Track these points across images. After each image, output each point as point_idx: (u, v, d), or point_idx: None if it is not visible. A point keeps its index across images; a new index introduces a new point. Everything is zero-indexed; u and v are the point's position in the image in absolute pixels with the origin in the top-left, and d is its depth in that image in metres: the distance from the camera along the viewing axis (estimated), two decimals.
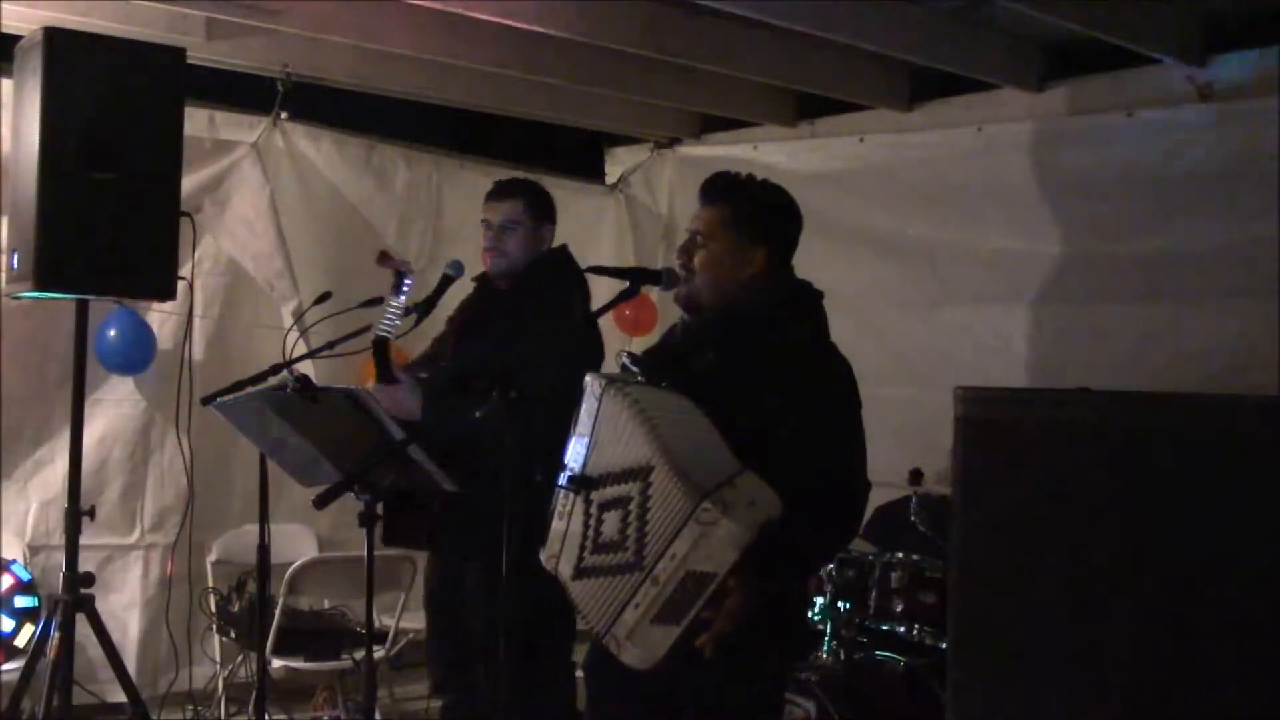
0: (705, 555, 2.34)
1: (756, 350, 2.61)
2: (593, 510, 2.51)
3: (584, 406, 2.58)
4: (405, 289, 3.33)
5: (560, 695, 3.61)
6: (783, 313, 2.68)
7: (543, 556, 2.64)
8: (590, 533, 2.51)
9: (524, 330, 3.33)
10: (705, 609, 2.37)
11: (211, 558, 5.04)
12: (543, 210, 3.68)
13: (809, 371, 2.60)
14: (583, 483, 2.53)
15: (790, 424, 2.51)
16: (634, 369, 2.62)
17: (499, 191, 3.71)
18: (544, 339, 3.01)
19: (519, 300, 3.56)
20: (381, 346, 3.36)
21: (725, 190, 2.74)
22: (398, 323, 3.34)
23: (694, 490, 2.34)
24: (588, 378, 2.61)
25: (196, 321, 4.58)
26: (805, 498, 2.42)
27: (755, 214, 2.71)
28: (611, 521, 2.47)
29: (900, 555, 4.15)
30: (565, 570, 2.56)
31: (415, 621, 4.91)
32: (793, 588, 2.68)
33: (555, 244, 3.74)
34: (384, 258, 3.43)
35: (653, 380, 2.58)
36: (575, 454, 2.58)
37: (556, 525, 2.60)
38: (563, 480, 2.57)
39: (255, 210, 5.19)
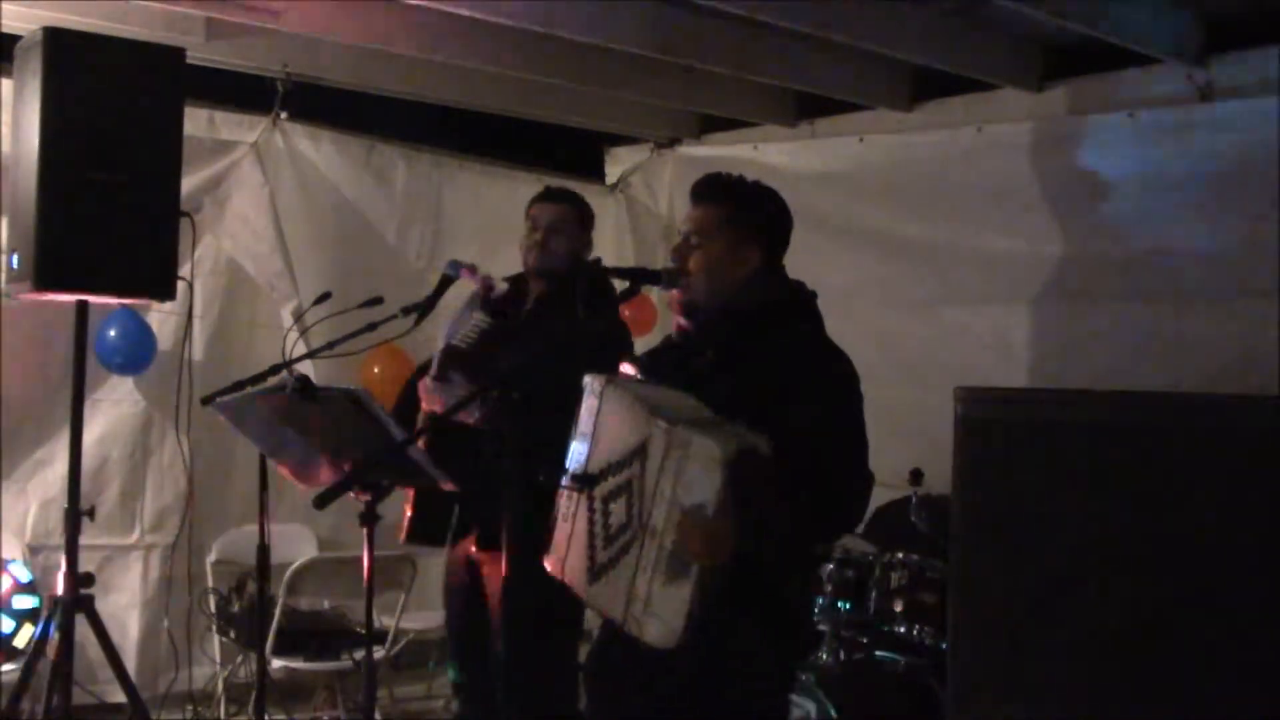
0: (690, 482, 2.31)
1: (756, 349, 2.61)
2: (597, 505, 2.51)
3: (584, 406, 2.59)
4: (490, 303, 3.38)
5: (563, 695, 3.61)
6: (781, 311, 2.68)
7: (547, 561, 2.63)
8: (599, 528, 2.51)
9: (566, 337, 3.35)
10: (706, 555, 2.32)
11: (211, 558, 5.04)
12: (588, 220, 3.71)
13: (809, 368, 2.60)
14: (584, 480, 2.53)
15: (792, 420, 2.51)
16: (630, 370, 2.62)
17: (551, 195, 3.73)
18: (582, 344, 3.00)
19: (559, 307, 3.54)
20: (456, 354, 3.39)
21: (718, 191, 2.74)
22: (474, 336, 3.39)
23: (671, 425, 2.35)
24: (587, 378, 2.61)
25: (196, 321, 4.58)
26: (805, 483, 2.42)
27: (749, 214, 2.71)
28: (618, 509, 2.47)
29: (900, 555, 4.14)
30: (580, 576, 2.55)
31: (415, 621, 4.92)
32: (789, 577, 2.66)
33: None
34: (471, 271, 3.48)
35: (652, 380, 2.59)
36: (576, 455, 2.58)
37: (561, 528, 2.60)
38: (564, 481, 2.57)
39: (255, 210, 5.19)
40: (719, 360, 2.63)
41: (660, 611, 2.36)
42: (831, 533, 2.74)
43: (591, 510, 2.52)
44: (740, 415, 2.44)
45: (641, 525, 2.39)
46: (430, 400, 3.39)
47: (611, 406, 2.51)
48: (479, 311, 3.40)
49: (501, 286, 3.52)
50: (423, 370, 3.61)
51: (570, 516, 2.58)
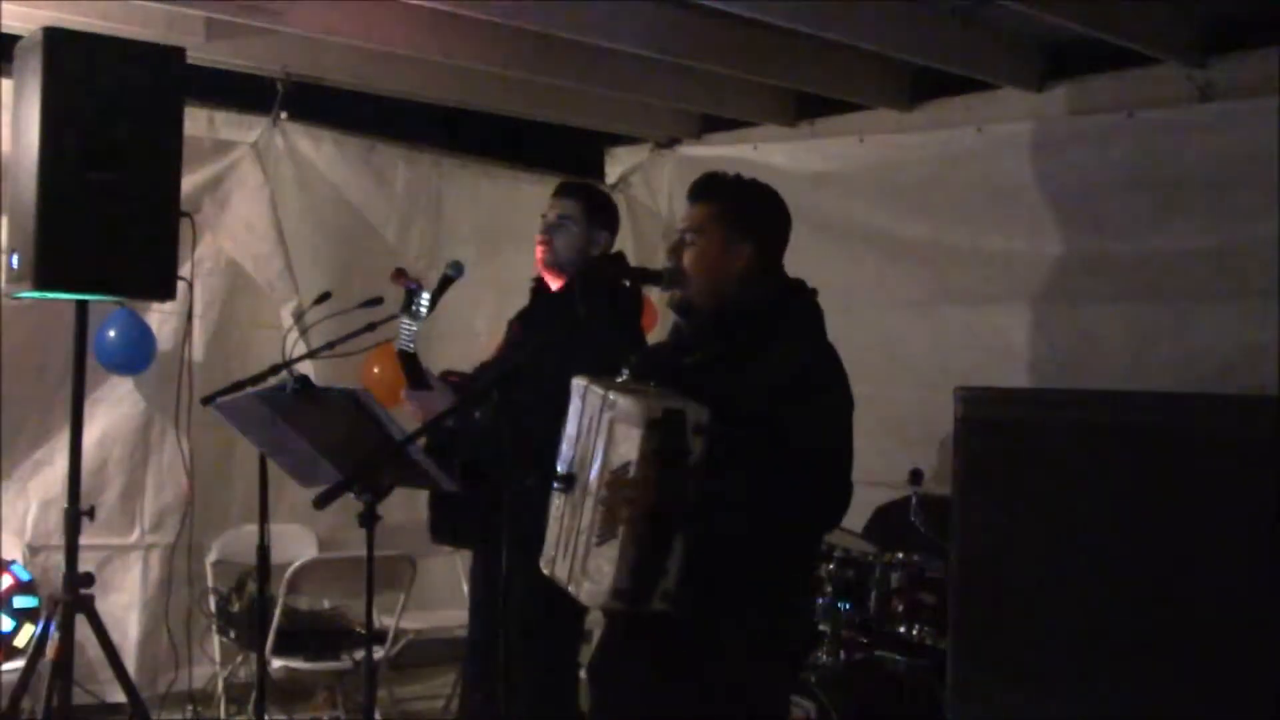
0: (617, 442, 2.34)
1: (749, 348, 2.61)
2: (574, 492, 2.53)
3: (571, 408, 2.60)
4: (417, 306, 3.36)
5: (564, 695, 3.61)
6: (776, 310, 2.68)
7: (541, 563, 2.64)
8: (569, 510, 2.53)
9: (569, 336, 3.34)
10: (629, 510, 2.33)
11: (211, 558, 5.04)
12: (599, 215, 3.66)
13: (797, 371, 2.59)
14: (569, 481, 2.54)
15: (775, 420, 2.50)
16: (623, 369, 2.63)
17: (558, 190, 3.71)
18: (581, 344, 3.00)
19: (568, 304, 3.53)
20: (410, 359, 3.38)
21: (710, 188, 2.75)
22: (415, 334, 3.38)
23: (605, 391, 2.39)
24: (574, 380, 2.62)
25: (196, 321, 4.58)
26: (778, 476, 2.42)
27: (741, 209, 2.71)
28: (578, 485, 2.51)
29: (900, 555, 4.14)
30: (561, 565, 2.56)
31: (415, 621, 4.93)
32: (787, 575, 2.65)
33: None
34: (398, 275, 3.47)
35: (640, 378, 2.59)
36: (565, 456, 2.59)
37: (551, 529, 2.61)
38: (555, 484, 2.58)
39: (255, 210, 5.19)
40: (710, 359, 2.63)
41: (591, 571, 2.39)
42: (802, 530, 2.70)
43: (576, 506, 2.53)
44: (728, 415, 2.43)
45: (584, 490, 2.44)
46: (414, 409, 3.41)
47: (590, 404, 2.52)
48: (404, 316, 3.40)
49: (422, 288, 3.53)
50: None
51: (558, 518, 2.58)
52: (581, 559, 2.41)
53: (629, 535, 2.33)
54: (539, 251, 3.61)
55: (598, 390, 2.46)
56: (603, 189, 3.77)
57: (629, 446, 2.32)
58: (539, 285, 3.70)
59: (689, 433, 2.32)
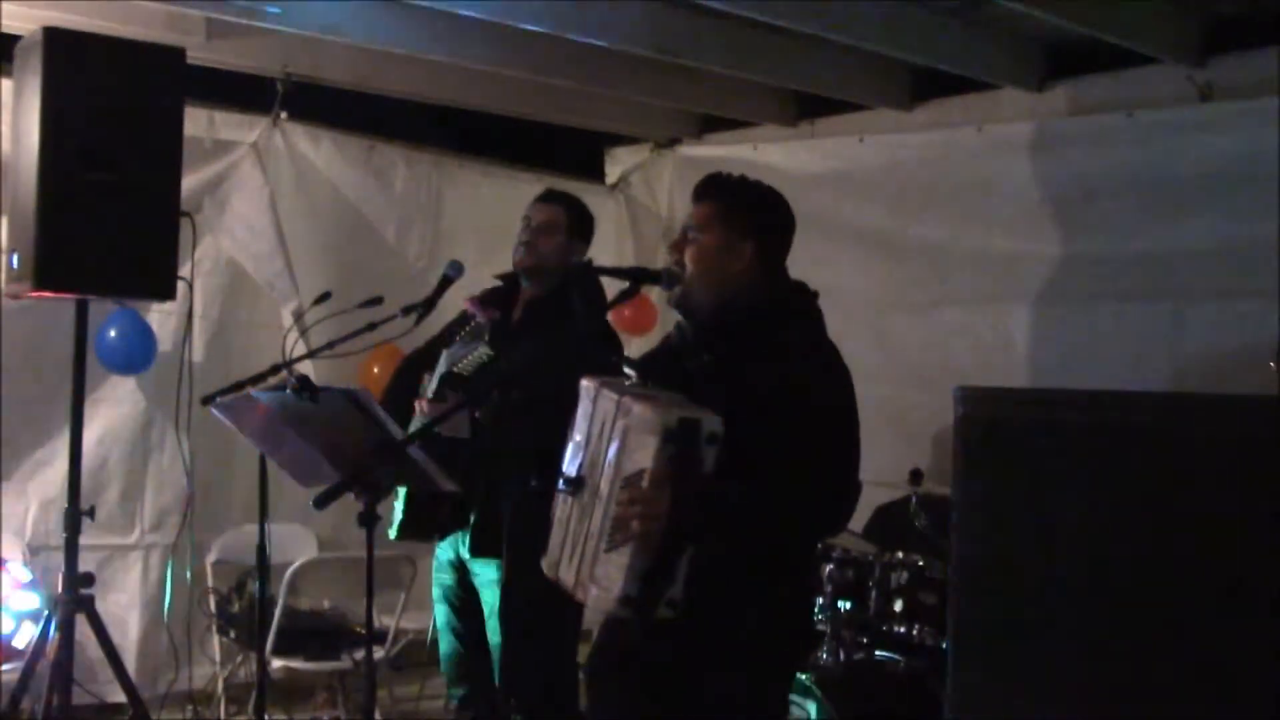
0: (631, 450, 2.34)
1: (751, 350, 2.61)
2: (582, 493, 2.53)
3: (579, 410, 2.60)
4: (495, 338, 3.40)
5: (563, 695, 3.61)
6: (777, 312, 2.68)
7: (544, 565, 2.64)
8: (576, 512, 2.53)
9: (568, 338, 3.35)
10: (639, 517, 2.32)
11: (211, 558, 5.04)
12: (581, 226, 3.71)
13: (801, 374, 2.58)
14: (577, 484, 2.53)
15: (779, 425, 2.50)
16: (629, 372, 2.63)
17: (547, 196, 3.77)
18: (577, 349, 3.00)
19: (562, 307, 3.53)
20: (458, 380, 3.40)
21: (712, 188, 2.76)
22: (475, 367, 3.41)
23: (620, 397, 2.39)
24: (583, 382, 2.62)
25: (196, 321, 4.57)
26: (780, 484, 2.42)
27: (741, 208, 2.72)
28: (587, 487, 2.51)
29: (900, 555, 4.14)
30: (565, 567, 2.56)
31: (415, 621, 4.92)
32: (785, 576, 2.64)
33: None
34: (485, 308, 3.53)
35: (647, 381, 2.59)
36: (572, 459, 2.59)
37: (555, 532, 2.61)
38: (560, 485, 2.58)
39: (255, 210, 5.19)
40: (714, 362, 2.63)
41: (600, 578, 2.38)
42: (810, 536, 2.71)
43: (582, 509, 2.53)
44: (731, 418, 2.43)
45: (594, 494, 2.43)
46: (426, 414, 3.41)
47: (602, 415, 2.52)
48: (484, 345, 3.40)
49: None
50: (410, 361, 3.61)
51: (564, 521, 2.58)
52: (590, 564, 2.40)
53: (640, 544, 2.33)
54: (520, 254, 3.61)
55: (610, 395, 2.45)
56: (583, 201, 3.80)
57: (643, 455, 2.31)
58: (511, 284, 3.70)
59: (703, 443, 2.32)
